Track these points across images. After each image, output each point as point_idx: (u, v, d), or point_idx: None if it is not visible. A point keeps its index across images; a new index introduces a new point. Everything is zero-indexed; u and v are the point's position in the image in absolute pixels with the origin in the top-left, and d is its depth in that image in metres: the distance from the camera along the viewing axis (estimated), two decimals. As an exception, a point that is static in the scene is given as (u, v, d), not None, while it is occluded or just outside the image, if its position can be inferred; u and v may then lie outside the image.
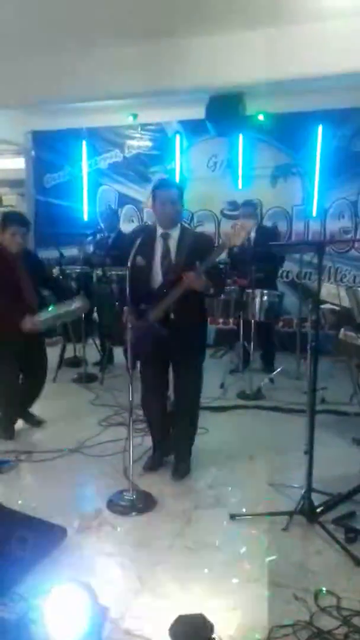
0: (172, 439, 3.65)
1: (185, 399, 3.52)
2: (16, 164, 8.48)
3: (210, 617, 2.07)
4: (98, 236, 6.08)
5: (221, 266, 4.85)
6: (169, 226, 3.34)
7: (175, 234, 3.35)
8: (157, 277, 3.34)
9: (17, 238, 3.88)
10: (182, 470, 3.52)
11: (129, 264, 3.11)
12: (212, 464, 3.68)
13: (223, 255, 5.71)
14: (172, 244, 3.34)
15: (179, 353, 3.37)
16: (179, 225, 3.40)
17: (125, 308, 3.33)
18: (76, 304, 4.16)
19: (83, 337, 5.63)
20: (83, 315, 5.47)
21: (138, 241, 3.18)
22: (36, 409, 4.43)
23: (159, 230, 3.36)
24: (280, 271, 6.18)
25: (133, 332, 3.22)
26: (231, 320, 6.07)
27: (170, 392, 3.65)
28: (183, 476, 3.50)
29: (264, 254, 5.05)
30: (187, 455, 3.60)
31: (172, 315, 3.27)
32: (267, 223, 6.61)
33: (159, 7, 4.98)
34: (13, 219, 3.99)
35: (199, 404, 3.62)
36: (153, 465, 3.59)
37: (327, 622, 2.22)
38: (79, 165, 7.55)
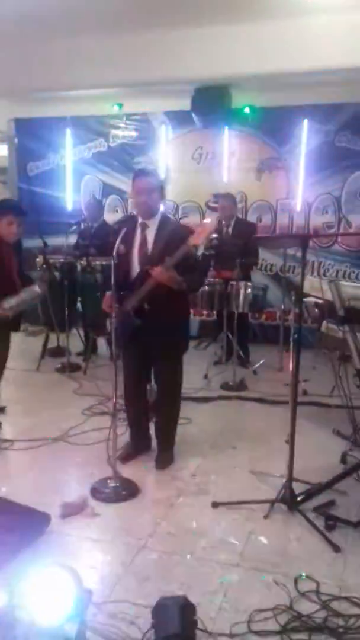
0: (155, 429, 3.68)
1: (165, 389, 3.55)
2: (-1, 151, 8.38)
3: (192, 600, 2.11)
4: (83, 225, 6.06)
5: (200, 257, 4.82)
6: (146, 216, 3.34)
7: (153, 224, 3.35)
8: (135, 267, 3.36)
9: (14, 228, 3.71)
10: (165, 459, 3.55)
11: (114, 253, 3.11)
12: (196, 454, 3.72)
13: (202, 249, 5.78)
14: (150, 234, 3.35)
15: (155, 344, 3.39)
16: (158, 215, 3.40)
17: (107, 293, 3.34)
18: (38, 288, 4.05)
19: (67, 327, 5.62)
20: (66, 305, 5.49)
21: (123, 231, 3.19)
22: (19, 398, 4.42)
23: (139, 220, 3.37)
24: (259, 264, 6.24)
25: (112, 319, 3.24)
26: (215, 312, 6.12)
27: (153, 383, 3.69)
28: (166, 465, 3.53)
29: (240, 247, 5.09)
30: (170, 445, 3.63)
31: (146, 306, 3.29)
32: (252, 216, 6.66)
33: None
34: (10, 207, 3.84)
35: (179, 394, 3.65)
36: (127, 456, 3.57)
37: (306, 607, 2.27)
38: (63, 153, 7.50)
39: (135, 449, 3.66)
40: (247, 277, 5.53)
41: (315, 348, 5.08)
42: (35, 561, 2.39)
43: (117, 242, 3.13)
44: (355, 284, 4.20)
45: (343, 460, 3.54)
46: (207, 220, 3.42)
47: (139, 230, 3.36)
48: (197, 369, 5.32)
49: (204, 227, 3.24)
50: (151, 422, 3.71)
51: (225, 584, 2.41)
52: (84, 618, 2.00)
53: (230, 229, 5.71)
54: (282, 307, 5.96)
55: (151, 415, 3.70)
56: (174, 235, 3.28)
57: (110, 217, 6.51)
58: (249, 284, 5.29)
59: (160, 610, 2.04)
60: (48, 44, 6.01)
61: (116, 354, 3.29)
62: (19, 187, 7.77)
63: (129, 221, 3.41)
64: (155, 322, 3.28)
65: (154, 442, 3.69)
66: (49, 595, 1.98)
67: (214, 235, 5.20)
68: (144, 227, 3.35)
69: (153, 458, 3.59)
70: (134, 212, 3.36)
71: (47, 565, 2.07)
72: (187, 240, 3.16)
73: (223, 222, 5.76)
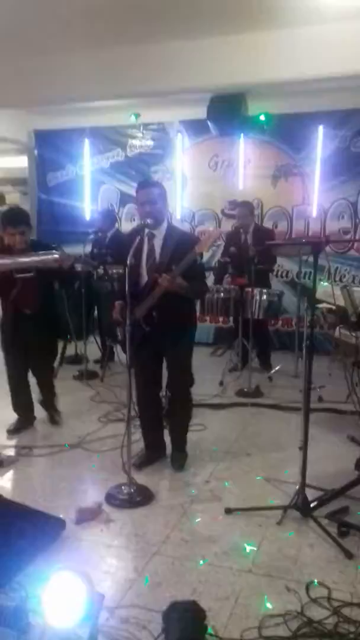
0: (169, 430, 3.73)
1: (175, 391, 3.63)
2: (19, 163, 8.55)
3: (204, 606, 2.13)
4: (100, 234, 6.14)
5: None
6: (153, 226, 3.39)
7: (160, 233, 3.41)
8: (144, 275, 3.43)
9: (16, 238, 3.92)
10: (179, 458, 3.61)
11: (127, 262, 3.17)
12: (210, 460, 3.75)
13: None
14: (157, 243, 3.41)
15: (165, 350, 3.47)
16: (164, 224, 3.45)
17: (116, 302, 3.45)
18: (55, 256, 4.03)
19: (84, 334, 5.70)
20: (84, 313, 5.56)
21: (137, 240, 3.26)
22: (37, 404, 4.49)
23: (146, 230, 3.42)
24: (275, 271, 6.25)
25: (122, 328, 3.32)
26: (231, 319, 6.14)
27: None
28: (182, 465, 3.58)
29: (258, 254, 5.12)
30: (184, 444, 3.68)
31: (154, 313, 3.36)
32: (268, 222, 6.68)
33: (161, 9, 5.04)
34: (6, 219, 4.02)
35: (190, 395, 3.70)
36: (141, 463, 3.61)
37: (317, 613, 2.28)
38: (81, 164, 7.62)
39: (150, 455, 3.70)
40: (265, 284, 5.55)
41: (332, 354, 5.07)
42: (50, 565, 2.44)
43: (131, 252, 3.19)
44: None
45: (357, 466, 3.52)
46: (211, 228, 3.49)
47: (146, 240, 3.42)
48: (212, 375, 5.35)
49: (209, 234, 3.30)
50: (165, 428, 3.75)
51: (238, 590, 2.43)
52: (96, 622, 2.04)
53: (249, 237, 5.74)
54: (299, 313, 5.95)
55: (165, 422, 3.74)
56: (180, 244, 3.35)
57: (127, 226, 6.60)
58: (264, 290, 5.31)
59: (170, 615, 2.07)
60: (66, 55, 6.12)
61: (129, 361, 3.34)
62: (39, 197, 7.91)
63: (143, 230, 3.47)
64: (162, 328, 3.36)
65: (169, 449, 3.73)
66: (63, 599, 2.02)
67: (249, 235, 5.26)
68: (151, 236, 3.42)
69: (168, 464, 3.63)
70: (148, 221, 3.39)
71: (61, 570, 2.12)
72: (193, 249, 3.24)
73: (242, 230, 5.81)
